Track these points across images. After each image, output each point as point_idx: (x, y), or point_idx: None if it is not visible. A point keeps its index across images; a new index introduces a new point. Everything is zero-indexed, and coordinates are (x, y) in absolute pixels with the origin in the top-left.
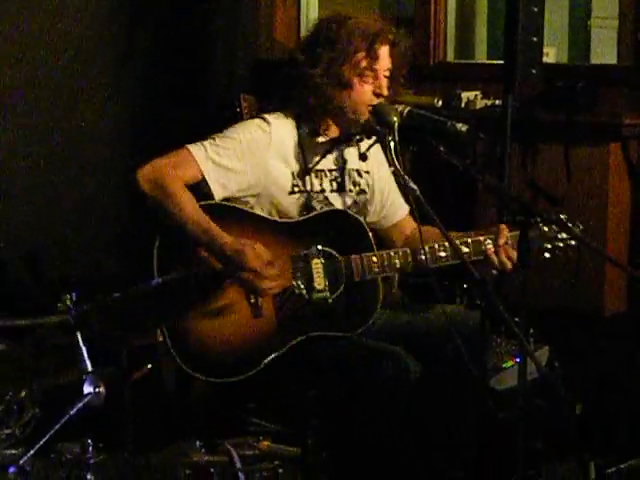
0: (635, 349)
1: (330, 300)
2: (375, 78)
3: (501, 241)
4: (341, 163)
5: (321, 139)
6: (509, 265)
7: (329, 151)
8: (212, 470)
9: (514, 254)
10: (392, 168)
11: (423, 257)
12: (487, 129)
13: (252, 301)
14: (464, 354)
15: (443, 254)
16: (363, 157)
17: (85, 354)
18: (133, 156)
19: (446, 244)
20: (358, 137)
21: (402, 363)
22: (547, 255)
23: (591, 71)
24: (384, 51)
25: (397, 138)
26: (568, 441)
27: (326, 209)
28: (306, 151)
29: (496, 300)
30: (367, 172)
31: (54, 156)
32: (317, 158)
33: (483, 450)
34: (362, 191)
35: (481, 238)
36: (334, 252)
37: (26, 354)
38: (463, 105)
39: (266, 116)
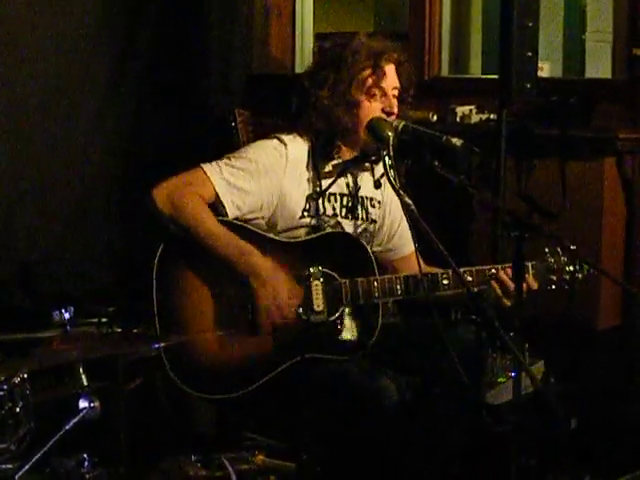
0: (630, 363)
1: (328, 322)
2: (383, 96)
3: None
4: (354, 189)
5: (334, 162)
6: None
7: (341, 174)
8: None
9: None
10: (387, 183)
11: (425, 285)
12: (482, 144)
13: (250, 318)
14: (460, 369)
15: (445, 281)
16: (377, 184)
17: (81, 369)
18: (125, 169)
19: (449, 271)
20: (373, 158)
21: (392, 399)
22: (553, 287)
23: (586, 85)
24: (390, 69)
25: (392, 153)
26: (563, 456)
27: (331, 231)
28: (320, 174)
29: (491, 315)
30: (379, 202)
31: (44, 167)
32: (329, 181)
33: (477, 465)
34: (373, 221)
35: (484, 267)
36: (335, 274)
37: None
38: (458, 120)
39: (283, 137)
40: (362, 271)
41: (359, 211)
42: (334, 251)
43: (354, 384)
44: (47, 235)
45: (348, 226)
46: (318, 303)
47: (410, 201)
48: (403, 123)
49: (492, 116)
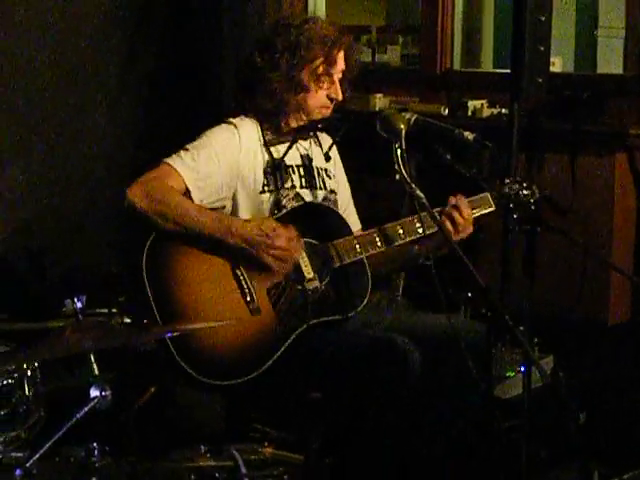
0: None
1: (322, 286)
2: (331, 83)
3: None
4: (307, 160)
5: (283, 136)
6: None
7: (293, 142)
8: (217, 475)
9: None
10: (398, 175)
11: (400, 231)
12: (493, 138)
13: (248, 299)
14: (469, 363)
15: (418, 225)
16: (327, 157)
17: (92, 358)
18: (138, 156)
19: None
20: (320, 125)
21: (400, 350)
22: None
23: (597, 81)
24: (340, 56)
25: (404, 145)
26: (572, 450)
27: (298, 204)
28: (272, 149)
29: (501, 309)
30: (334, 176)
31: (56, 156)
32: (282, 151)
33: (487, 458)
34: (332, 191)
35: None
36: (315, 242)
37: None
38: (469, 114)
39: (231, 120)
40: (338, 233)
41: (317, 180)
42: (307, 221)
43: (365, 345)
44: (58, 224)
45: (307, 196)
46: (308, 270)
47: (422, 194)
48: (415, 116)
49: (503, 110)
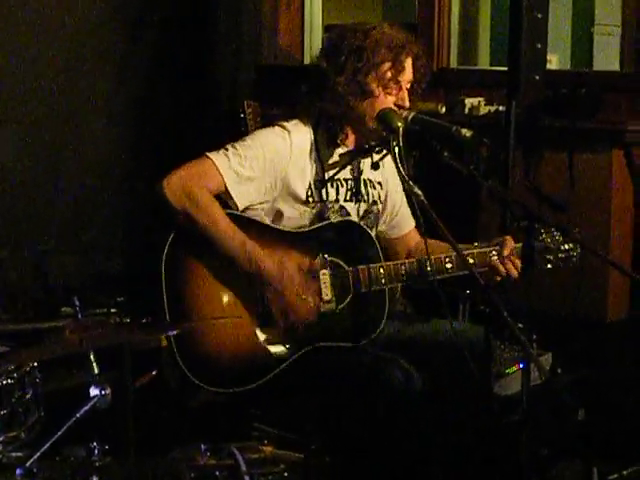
0: (638, 354)
1: (337, 311)
2: (398, 90)
3: (506, 252)
4: (357, 173)
5: (339, 150)
6: (514, 274)
7: (348, 163)
8: (217, 473)
9: (519, 263)
10: (397, 173)
11: (429, 269)
12: (490, 135)
13: (260, 310)
14: (469, 363)
15: (449, 265)
16: (375, 166)
17: (92, 357)
18: (135, 159)
19: (452, 255)
20: (377, 148)
21: (404, 369)
22: (549, 266)
23: (594, 78)
24: (408, 63)
25: (402, 143)
26: (571, 447)
27: (336, 219)
28: (324, 161)
29: (500, 306)
30: (380, 183)
31: (54, 157)
32: (335, 169)
33: (487, 456)
34: (375, 202)
35: (486, 249)
36: (341, 262)
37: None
38: (466, 111)
39: (285, 124)
40: (367, 257)
41: (362, 194)
42: (339, 239)
43: (365, 370)
44: (57, 225)
45: (352, 209)
46: (327, 292)
47: (420, 191)
48: (413, 114)
49: (501, 108)
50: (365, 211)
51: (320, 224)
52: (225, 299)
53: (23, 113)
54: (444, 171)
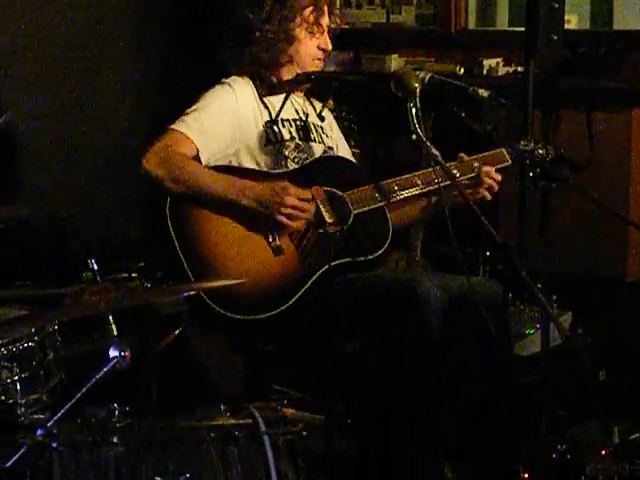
0: None
1: (343, 230)
2: (321, 33)
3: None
4: (303, 114)
5: (276, 88)
6: (494, 185)
7: (288, 95)
8: (236, 433)
9: (498, 177)
10: (414, 135)
11: (419, 180)
12: (509, 96)
13: (271, 241)
14: (488, 322)
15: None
16: (321, 118)
17: (111, 320)
18: (153, 123)
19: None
20: (313, 77)
21: (424, 287)
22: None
23: (614, 37)
24: (325, 8)
25: (419, 104)
26: (592, 407)
27: (316, 157)
28: (268, 104)
29: (519, 266)
30: (329, 136)
31: (72, 123)
32: (278, 106)
33: (506, 416)
34: (330, 147)
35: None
36: (335, 190)
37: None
38: (485, 72)
39: (225, 80)
40: (359, 182)
41: (314, 134)
42: (327, 172)
43: (390, 282)
44: (76, 190)
45: (309, 149)
46: (328, 215)
47: (437, 152)
48: (430, 75)
49: (519, 69)
50: (323, 152)
51: (304, 163)
52: (237, 237)
53: (38, 79)
54: (462, 133)
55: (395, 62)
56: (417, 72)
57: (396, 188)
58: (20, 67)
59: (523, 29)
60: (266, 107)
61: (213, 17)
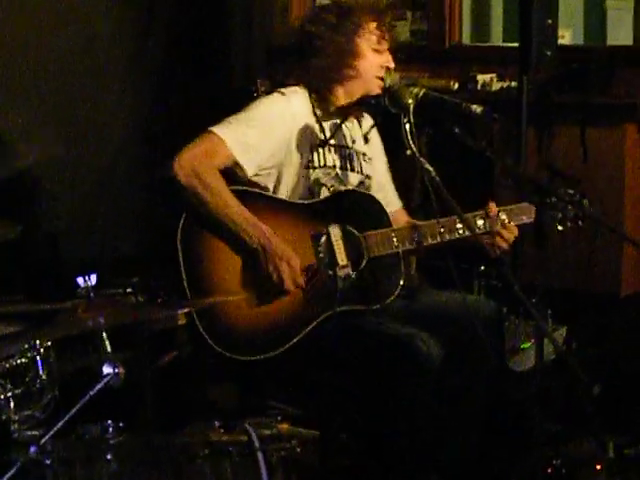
0: None
1: (353, 275)
2: (384, 50)
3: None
4: (350, 142)
5: (332, 108)
6: (509, 237)
7: (343, 122)
8: (231, 449)
9: (514, 229)
10: (409, 151)
11: (442, 229)
12: (503, 112)
13: (265, 286)
14: (483, 338)
15: (459, 226)
16: (366, 139)
17: (105, 337)
18: (149, 140)
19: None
20: (373, 102)
21: (423, 350)
22: (560, 228)
23: (607, 52)
24: (387, 27)
25: (412, 120)
26: (586, 421)
27: (341, 189)
28: (322, 124)
29: (513, 280)
30: (370, 159)
31: (72, 137)
32: (332, 130)
33: (501, 432)
34: (368, 176)
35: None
36: (352, 229)
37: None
38: (479, 88)
39: (283, 90)
40: (378, 224)
41: (355, 164)
42: (348, 207)
43: (388, 338)
44: (72, 204)
45: (346, 178)
46: (341, 257)
47: (431, 168)
48: (423, 90)
49: (513, 84)
50: (360, 182)
51: (326, 195)
52: (242, 271)
53: (37, 90)
54: (456, 148)
55: (389, 77)
56: (411, 88)
57: (415, 235)
58: (15, 84)
59: (517, 44)
60: (320, 126)
61: (211, 35)
